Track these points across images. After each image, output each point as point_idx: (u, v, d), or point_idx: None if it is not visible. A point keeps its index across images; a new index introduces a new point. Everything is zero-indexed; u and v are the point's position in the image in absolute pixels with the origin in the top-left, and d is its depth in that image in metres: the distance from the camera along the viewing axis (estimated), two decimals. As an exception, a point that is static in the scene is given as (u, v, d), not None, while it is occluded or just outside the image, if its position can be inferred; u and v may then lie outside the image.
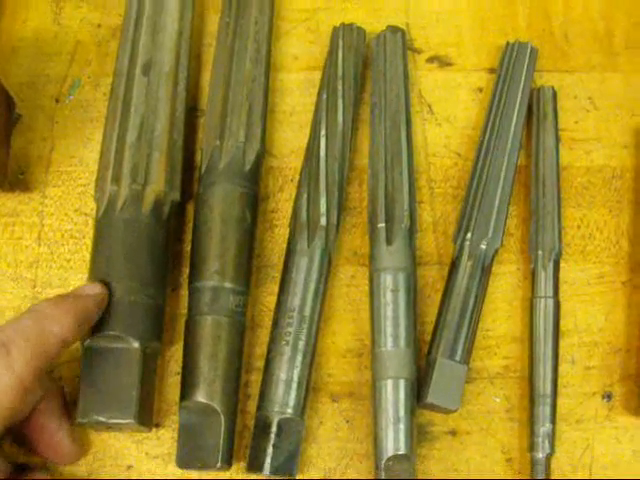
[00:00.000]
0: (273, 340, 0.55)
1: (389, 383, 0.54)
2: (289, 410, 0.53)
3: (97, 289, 0.52)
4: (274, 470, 0.53)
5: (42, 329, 0.48)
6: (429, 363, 0.55)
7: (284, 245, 0.58)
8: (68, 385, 0.56)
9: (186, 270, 0.57)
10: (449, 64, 0.64)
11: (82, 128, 0.61)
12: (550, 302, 0.57)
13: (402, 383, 0.54)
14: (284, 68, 0.64)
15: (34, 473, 0.54)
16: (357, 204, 0.60)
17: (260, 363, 0.56)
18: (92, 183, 0.59)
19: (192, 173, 0.60)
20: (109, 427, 0.53)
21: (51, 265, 0.59)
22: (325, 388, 0.57)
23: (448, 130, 0.62)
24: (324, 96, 0.60)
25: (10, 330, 0.47)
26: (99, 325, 0.52)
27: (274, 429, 0.53)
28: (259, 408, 0.54)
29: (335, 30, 0.62)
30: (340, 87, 0.60)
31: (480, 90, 0.63)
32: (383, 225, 0.57)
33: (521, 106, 0.60)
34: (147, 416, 0.53)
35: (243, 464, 0.54)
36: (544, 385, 0.55)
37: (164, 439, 0.56)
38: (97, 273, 0.53)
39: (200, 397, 0.52)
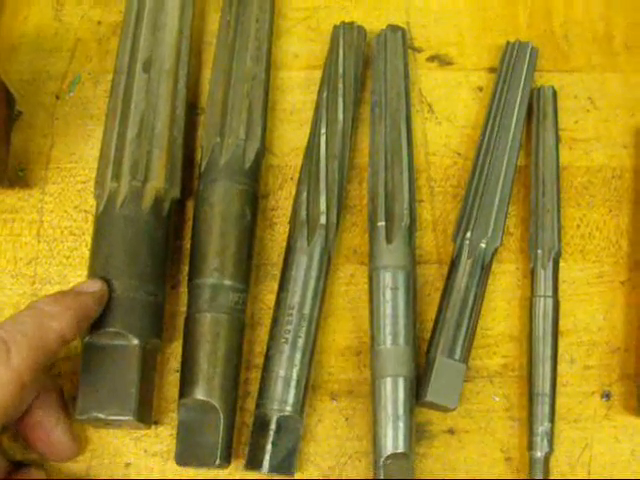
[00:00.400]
0: (272, 338, 0.55)
1: (388, 381, 0.54)
2: (288, 408, 0.53)
3: (97, 286, 0.52)
4: (273, 468, 0.53)
5: (41, 326, 0.48)
6: (428, 361, 0.55)
7: (284, 243, 0.58)
8: (67, 381, 0.56)
9: (185, 267, 0.57)
10: (449, 63, 0.64)
11: (82, 125, 0.61)
12: (549, 301, 0.57)
13: (401, 381, 0.54)
14: (284, 66, 0.64)
15: (31, 471, 0.54)
16: (357, 202, 0.60)
17: (259, 361, 0.56)
18: (92, 180, 0.59)
19: (192, 170, 0.60)
20: (108, 424, 0.53)
21: (50, 262, 0.59)
22: (324, 386, 0.57)
23: (448, 129, 0.62)
24: (324, 94, 0.60)
25: (9, 326, 0.47)
26: (99, 322, 0.52)
27: (273, 427, 0.53)
28: (258, 406, 0.54)
29: (336, 29, 0.62)
30: (340, 85, 0.60)
31: (480, 89, 0.63)
32: (383, 223, 0.57)
33: (521, 106, 0.60)
34: (147, 413, 0.53)
35: (242, 462, 0.54)
36: (543, 384, 0.55)
37: (163, 436, 0.56)
38: (97, 270, 0.53)
39: (199, 394, 0.52)
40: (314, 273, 0.56)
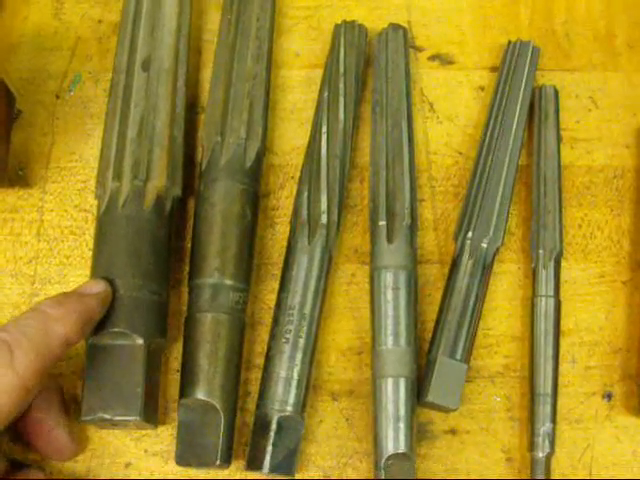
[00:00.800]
0: (273, 338, 0.55)
1: (389, 381, 0.54)
2: (289, 408, 0.53)
3: (101, 286, 0.52)
4: (273, 468, 0.52)
5: (46, 329, 0.47)
6: (429, 362, 0.55)
7: (285, 242, 0.58)
8: (68, 381, 0.56)
9: (186, 267, 0.57)
10: (451, 62, 0.64)
11: (82, 124, 0.61)
12: (551, 301, 0.57)
13: (402, 382, 0.54)
14: (285, 65, 0.63)
15: (30, 471, 0.53)
16: (358, 202, 0.60)
17: (260, 361, 0.56)
18: (92, 179, 0.59)
19: (193, 170, 0.60)
20: (114, 424, 0.52)
21: (50, 261, 0.58)
22: (325, 386, 0.57)
23: (449, 128, 0.62)
24: (325, 93, 0.60)
25: (13, 329, 0.47)
26: (103, 322, 0.52)
27: (274, 427, 0.53)
28: (259, 406, 0.54)
29: (337, 27, 0.62)
30: (341, 85, 0.60)
31: (482, 89, 0.63)
32: (384, 223, 0.56)
33: (523, 105, 0.60)
34: (152, 413, 0.53)
35: (242, 462, 0.54)
36: (544, 384, 0.55)
37: (163, 436, 0.56)
38: (100, 269, 0.53)
39: (200, 394, 0.52)
40: (315, 273, 0.56)
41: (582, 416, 0.57)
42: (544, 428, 0.55)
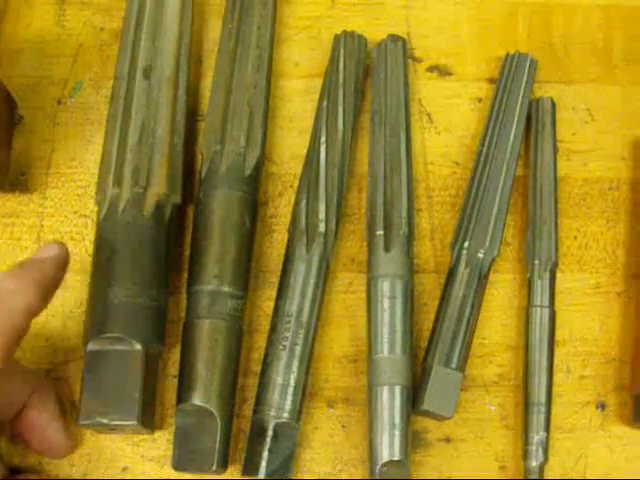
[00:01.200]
0: (270, 345, 0.55)
1: (385, 389, 0.54)
2: (285, 414, 0.53)
3: (56, 250, 0.50)
4: (269, 474, 0.53)
5: (6, 306, 0.46)
6: (425, 370, 0.55)
7: (282, 250, 0.58)
8: (67, 386, 0.56)
9: (185, 274, 0.57)
10: (449, 73, 0.64)
11: (83, 130, 0.62)
12: (546, 311, 0.57)
13: (398, 390, 0.54)
14: (285, 75, 0.64)
15: (28, 476, 0.54)
16: (356, 211, 0.61)
17: (257, 367, 0.56)
18: (92, 185, 0.59)
19: (192, 177, 0.60)
20: (112, 429, 0.53)
21: (50, 266, 0.59)
22: (321, 393, 0.57)
23: (447, 139, 0.63)
24: (324, 103, 0.60)
25: None
26: (101, 327, 0.52)
27: (270, 433, 0.53)
28: (255, 412, 0.54)
29: (336, 38, 0.63)
30: (340, 94, 0.60)
31: (479, 100, 0.64)
32: (381, 232, 0.57)
33: (520, 116, 0.61)
34: (150, 418, 0.54)
35: (239, 467, 0.54)
36: (539, 394, 0.56)
37: (160, 441, 0.56)
38: (99, 275, 0.54)
39: (197, 400, 0.52)
40: (312, 281, 0.56)
41: (576, 425, 0.57)
42: (538, 437, 0.55)
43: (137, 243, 0.54)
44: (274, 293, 0.57)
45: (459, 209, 0.60)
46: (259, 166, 0.58)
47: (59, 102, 0.62)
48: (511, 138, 0.60)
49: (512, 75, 0.62)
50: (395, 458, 0.53)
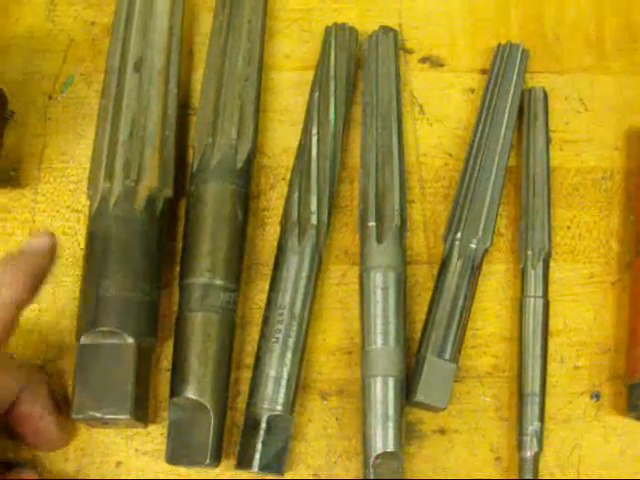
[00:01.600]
0: (263, 337, 0.55)
1: (378, 381, 0.54)
2: (278, 407, 0.53)
3: (46, 240, 0.49)
4: (263, 467, 0.53)
5: None
6: (418, 361, 0.55)
7: (275, 243, 0.58)
8: (59, 380, 0.56)
9: (177, 267, 0.57)
10: (441, 65, 0.64)
11: (74, 125, 0.62)
12: (539, 302, 0.57)
13: (391, 381, 0.54)
14: (276, 67, 0.64)
15: (23, 471, 0.54)
16: (348, 203, 0.61)
17: (250, 360, 0.56)
18: (84, 180, 0.59)
19: (184, 170, 0.60)
20: (105, 423, 0.53)
21: (42, 261, 0.59)
22: (314, 386, 0.57)
23: (439, 130, 0.63)
24: (316, 95, 0.60)
25: None
26: (94, 321, 0.52)
27: (263, 426, 0.53)
28: (248, 405, 0.54)
29: (327, 30, 0.63)
30: (332, 86, 0.60)
31: (472, 91, 0.64)
32: (374, 224, 0.57)
33: (512, 107, 0.61)
34: (143, 412, 0.54)
35: (232, 461, 0.54)
36: (533, 384, 0.56)
37: (154, 435, 0.56)
38: (91, 269, 0.53)
39: (190, 393, 0.52)
40: (305, 273, 0.56)
41: (570, 416, 0.57)
42: (532, 427, 0.55)
43: (129, 237, 0.54)
44: (267, 286, 0.57)
45: (452, 200, 0.60)
46: (251, 159, 0.58)
47: (50, 97, 0.62)
48: (503, 129, 0.60)
49: (504, 65, 0.62)
50: (389, 450, 0.53)
